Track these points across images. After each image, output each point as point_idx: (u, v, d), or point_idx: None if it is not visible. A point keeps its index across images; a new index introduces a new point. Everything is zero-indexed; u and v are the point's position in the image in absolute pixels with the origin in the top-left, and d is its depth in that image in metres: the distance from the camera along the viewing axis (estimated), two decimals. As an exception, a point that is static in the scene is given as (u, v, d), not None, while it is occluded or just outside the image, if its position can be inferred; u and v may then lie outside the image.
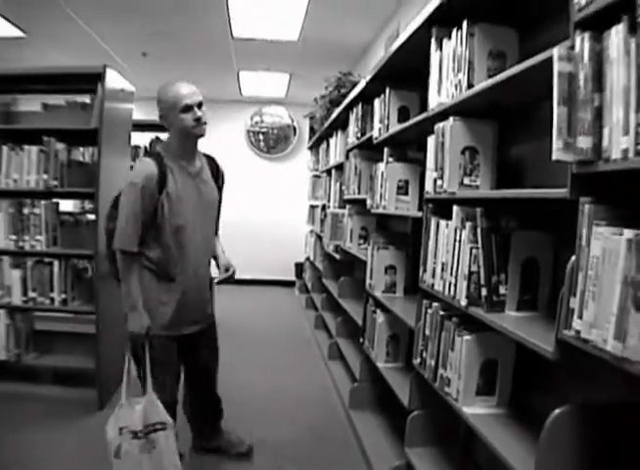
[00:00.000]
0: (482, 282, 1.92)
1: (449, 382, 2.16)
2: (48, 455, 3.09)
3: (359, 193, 4.19)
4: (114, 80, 3.93)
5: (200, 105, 2.67)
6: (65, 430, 3.43)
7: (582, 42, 1.31)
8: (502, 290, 1.90)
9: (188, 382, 3.16)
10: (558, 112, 1.37)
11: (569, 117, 1.35)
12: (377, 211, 3.50)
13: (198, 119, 2.65)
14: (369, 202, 3.68)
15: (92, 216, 3.98)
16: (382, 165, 3.36)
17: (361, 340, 3.77)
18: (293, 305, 8.10)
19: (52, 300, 3.97)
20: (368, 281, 3.59)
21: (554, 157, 1.37)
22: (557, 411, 1.45)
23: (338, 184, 5.25)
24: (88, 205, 4.96)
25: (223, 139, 9.25)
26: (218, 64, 7.39)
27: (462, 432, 2.57)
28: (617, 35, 1.21)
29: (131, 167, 3.73)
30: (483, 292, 1.91)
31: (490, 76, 2.03)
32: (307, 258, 8.08)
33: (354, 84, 5.11)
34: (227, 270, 2.95)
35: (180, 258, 2.73)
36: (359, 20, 5.45)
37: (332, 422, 3.87)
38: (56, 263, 3.96)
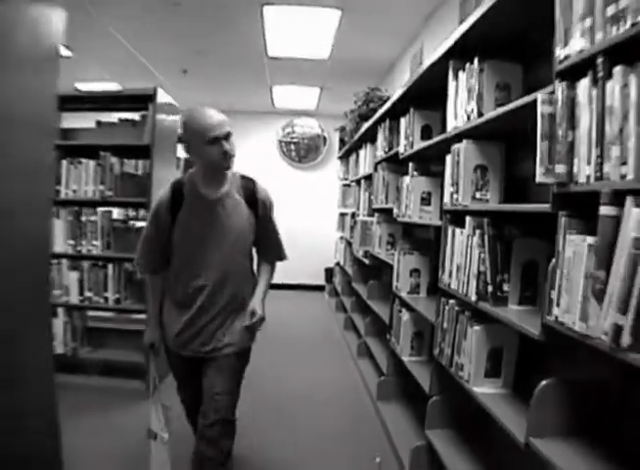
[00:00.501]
0: (489, 281, 2.27)
1: (462, 367, 2.51)
2: (96, 440, 3.51)
3: (387, 203, 4.55)
4: (162, 98, 4.35)
5: (227, 136, 2.46)
6: (114, 416, 3.91)
7: (560, 89, 1.67)
8: (505, 287, 2.25)
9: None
10: (541, 145, 1.74)
11: (549, 149, 1.71)
12: (403, 220, 3.86)
13: (224, 153, 2.45)
14: (395, 211, 4.05)
15: (141, 223, 4.41)
16: (407, 178, 3.72)
17: (388, 337, 4.13)
18: (323, 308, 8.49)
19: (106, 299, 4.44)
20: (395, 283, 3.95)
21: (537, 180, 1.74)
22: (543, 383, 1.81)
23: (367, 194, 5.63)
24: (132, 212, 5.36)
25: (256, 149, 9.73)
26: (253, 79, 7.82)
27: (473, 414, 2.91)
28: (584, 86, 1.57)
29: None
30: (490, 289, 2.26)
31: (498, 105, 2.39)
32: (337, 264, 8.46)
33: (382, 99, 5.52)
34: (252, 316, 2.61)
35: (190, 284, 2.58)
36: (385, 38, 5.86)
37: (361, 412, 4.27)
38: (110, 266, 4.41)
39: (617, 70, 1.40)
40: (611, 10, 1.44)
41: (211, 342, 2.62)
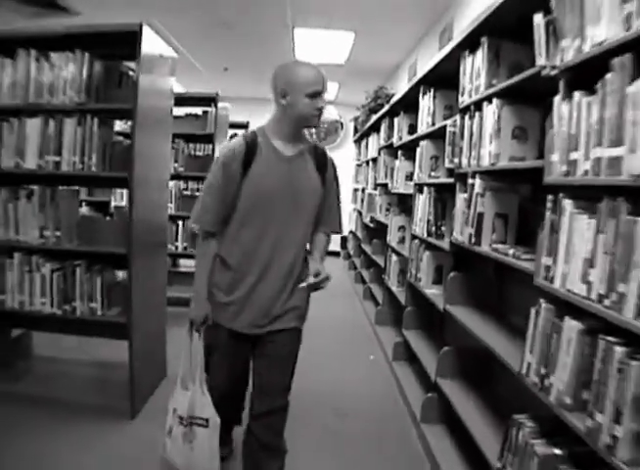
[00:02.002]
0: (433, 224, 3.81)
1: (420, 279, 4.04)
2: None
3: (385, 179, 6.09)
4: (221, 101, 5.90)
5: (322, 93, 2.39)
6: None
7: (459, 119, 3.18)
8: (442, 228, 3.76)
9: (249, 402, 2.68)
10: (447, 148, 3.28)
11: (452, 150, 3.25)
12: (395, 191, 5.42)
13: (319, 109, 2.40)
14: (389, 185, 5.60)
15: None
16: (397, 162, 5.27)
17: (383, 276, 5.69)
18: (338, 268, 10.11)
19: (176, 247, 5.98)
20: (388, 237, 5.49)
21: (446, 165, 3.28)
22: (451, 275, 3.34)
23: (373, 172, 7.18)
24: (195, 185, 6.74)
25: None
26: None
27: (437, 323, 4.39)
28: (467, 118, 3.08)
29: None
30: (433, 229, 3.80)
31: (444, 119, 3.89)
32: (351, 231, 10.00)
33: (387, 95, 7.05)
34: (316, 276, 2.38)
35: (252, 248, 2.43)
36: (389, 51, 7.47)
37: (362, 330, 5.99)
38: (179, 222, 5.96)
39: (486, 108, 2.89)
40: (483, 83, 2.95)
41: (271, 314, 2.49)
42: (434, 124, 3.98)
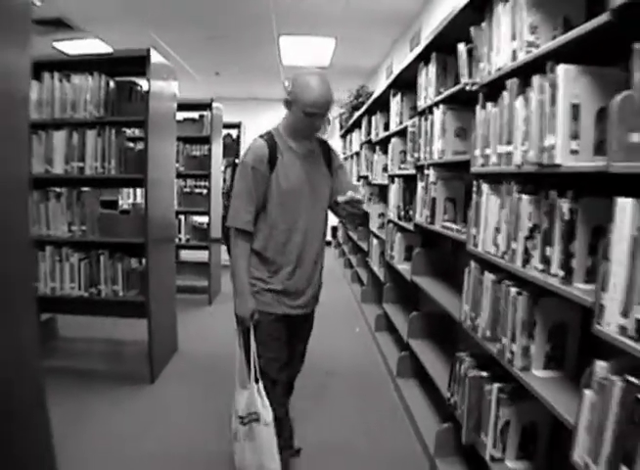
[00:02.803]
0: (402, 209, 4.45)
1: (394, 257, 4.68)
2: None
3: (366, 171, 6.72)
4: (216, 106, 6.51)
5: (322, 116, 2.57)
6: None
7: (417, 120, 3.81)
8: (410, 212, 4.37)
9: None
10: (409, 145, 3.90)
11: (412, 146, 3.87)
12: (374, 182, 6.04)
13: (315, 128, 2.63)
14: (369, 176, 6.24)
15: (205, 191, 6.61)
16: (375, 156, 5.90)
17: (367, 259, 6.33)
18: (329, 256, 10.67)
19: (180, 239, 6.60)
20: (370, 222, 6.12)
21: (408, 160, 3.91)
22: (416, 250, 3.97)
23: (356, 166, 7.83)
24: (197, 182, 7.36)
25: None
26: (270, 77, 10.04)
27: (413, 297, 4.99)
28: (422, 120, 3.71)
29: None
30: (402, 213, 4.43)
31: (410, 118, 4.51)
32: (340, 221, 10.61)
33: (368, 93, 7.67)
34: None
35: (286, 240, 2.65)
36: (369, 53, 8.12)
37: (349, 308, 6.64)
38: (182, 217, 6.58)
39: (436, 112, 3.51)
40: (433, 91, 3.57)
41: (308, 295, 2.79)
42: (401, 123, 4.60)
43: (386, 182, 5.40)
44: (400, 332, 4.35)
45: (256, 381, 2.64)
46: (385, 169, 5.63)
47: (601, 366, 1.58)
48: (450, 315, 3.07)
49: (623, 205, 1.46)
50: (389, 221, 4.94)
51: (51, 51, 6.72)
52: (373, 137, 6.12)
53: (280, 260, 2.66)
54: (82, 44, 7.27)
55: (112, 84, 4.04)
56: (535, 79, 1.98)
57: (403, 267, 4.44)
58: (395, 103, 4.84)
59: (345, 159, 9.75)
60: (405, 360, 4.17)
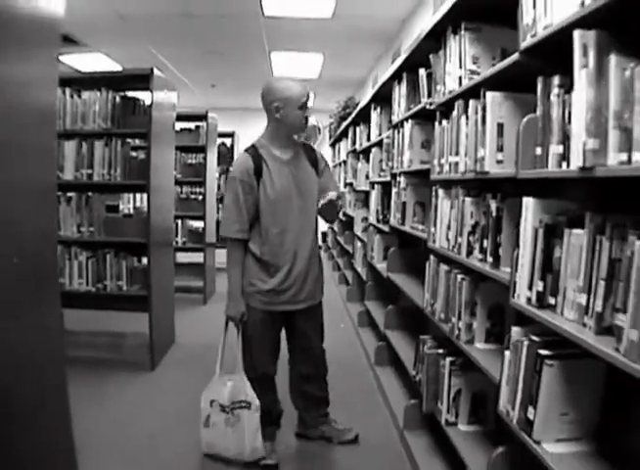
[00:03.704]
0: (381, 213, 4.88)
1: (373, 257, 5.10)
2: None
3: (352, 178, 7.17)
4: (211, 117, 6.95)
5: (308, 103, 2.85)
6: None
7: (392, 132, 4.26)
8: (387, 215, 4.78)
9: (290, 363, 3.29)
10: (383, 153, 4.35)
11: (387, 156, 4.32)
12: (358, 189, 6.48)
13: (306, 118, 2.90)
14: (354, 183, 6.69)
15: (200, 197, 7.04)
16: (360, 164, 6.35)
17: (352, 261, 6.78)
18: (319, 261, 11.13)
19: (176, 242, 7.02)
20: (355, 227, 6.56)
21: (383, 167, 4.35)
22: (392, 249, 4.40)
23: (343, 173, 8.28)
24: (192, 189, 7.76)
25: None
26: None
27: (391, 294, 5.35)
28: (396, 132, 4.15)
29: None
30: (381, 217, 4.87)
31: (388, 130, 4.95)
32: (330, 227, 11.06)
33: (355, 104, 8.13)
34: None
35: (280, 242, 2.86)
36: (356, 67, 8.64)
37: (335, 306, 6.97)
38: (179, 222, 6.99)
39: (406, 125, 3.94)
40: (404, 107, 4.02)
41: (306, 295, 3.04)
42: (380, 135, 5.04)
43: (368, 188, 5.81)
44: (378, 323, 4.76)
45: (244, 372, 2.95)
46: (367, 177, 6.06)
47: (516, 331, 2.01)
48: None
49: (527, 202, 1.90)
50: (370, 224, 5.38)
51: (60, 67, 7.17)
52: (357, 147, 6.57)
53: (277, 261, 2.90)
54: (87, 58, 7.72)
55: (117, 99, 4.47)
56: (471, 102, 2.43)
57: (381, 266, 4.83)
58: (376, 115, 5.28)
59: (334, 166, 10.17)
60: (382, 350, 4.59)
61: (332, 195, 2.80)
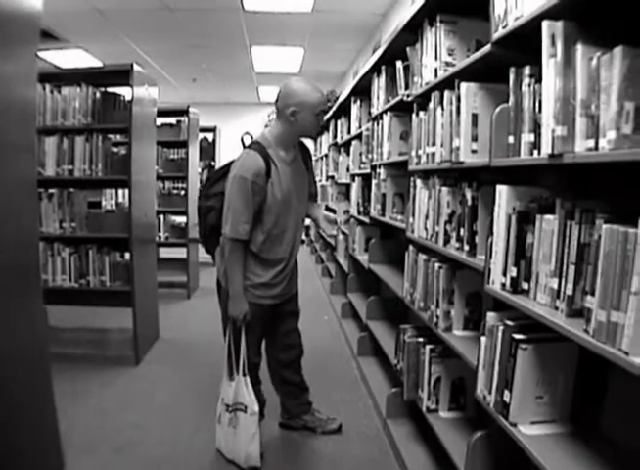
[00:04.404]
0: (361, 205, 4.92)
1: (355, 249, 5.15)
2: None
3: (333, 172, 7.21)
4: (192, 112, 6.96)
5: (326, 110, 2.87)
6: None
7: (371, 125, 4.29)
8: (369, 207, 4.82)
9: (268, 351, 3.35)
10: (362, 146, 4.39)
11: (367, 148, 4.35)
12: (339, 182, 6.52)
13: (320, 125, 2.92)
14: (335, 176, 6.72)
15: (182, 192, 7.04)
16: (340, 157, 6.38)
17: (334, 254, 6.82)
18: (302, 254, 11.00)
19: (159, 237, 7.02)
20: (338, 220, 6.55)
21: (362, 160, 4.39)
22: (372, 241, 4.44)
23: (325, 166, 8.31)
24: (175, 184, 7.74)
25: (244, 131, 12.36)
26: (244, 83, 10.54)
27: (373, 285, 5.42)
28: (375, 124, 4.18)
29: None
30: (362, 209, 4.91)
31: (368, 122, 4.99)
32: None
33: (336, 98, 8.16)
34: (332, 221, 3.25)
35: (280, 241, 2.92)
36: (337, 61, 8.68)
37: (319, 299, 7.04)
38: (161, 217, 6.99)
39: (385, 117, 3.98)
40: (382, 99, 4.05)
41: (290, 284, 3.18)
42: (360, 127, 5.08)
43: (349, 181, 5.85)
44: (360, 314, 4.81)
45: (244, 374, 2.93)
46: (348, 170, 6.10)
47: (491, 316, 2.06)
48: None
49: (500, 190, 1.94)
50: (351, 216, 5.41)
51: (39, 63, 7.15)
52: (338, 140, 6.61)
53: (275, 259, 2.96)
54: (66, 54, 7.69)
55: (98, 95, 4.47)
56: (446, 93, 2.48)
57: (363, 258, 4.88)
58: (356, 108, 5.32)
59: (316, 160, 10.22)
60: (365, 340, 4.63)
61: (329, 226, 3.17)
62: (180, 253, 7.19)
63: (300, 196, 3.01)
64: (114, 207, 5.98)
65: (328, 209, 7.82)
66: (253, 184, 2.72)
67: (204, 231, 3.09)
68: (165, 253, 7.75)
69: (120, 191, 6.43)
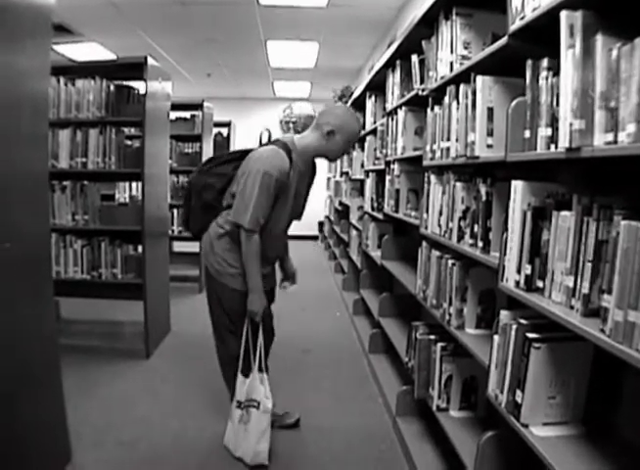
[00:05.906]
0: (375, 201, 4.88)
1: (368, 245, 5.11)
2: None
3: (347, 168, 7.17)
4: (207, 106, 6.94)
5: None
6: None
7: (386, 120, 4.25)
8: (382, 203, 4.79)
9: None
10: (376, 141, 4.34)
11: (381, 143, 4.31)
12: (354, 178, 6.49)
13: (344, 153, 3.08)
14: (350, 172, 6.68)
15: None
16: (355, 153, 6.35)
17: (347, 249, 6.78)
18: (316, 249, 11.23)
19: (172, 230, 7.02)
20: (350, 216, 6.57)
21: (376, 155, 4.35)
22: (385, 237, 4.40)
23: (338, 162, 8.28)
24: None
25: (263, 127, 12.30)
26: (258, 78, 10.49)
27: (386, 281, 5.39)
28: (390, 119, 4.15)
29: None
30: (376, 205, 4.86)
31: (382, 118, 4.95)
32: (326, 216, 11.08)
33: (351, 93, 8.13)
34: (293, 278, 3.51)
35: (276, 239, 3.07)
36: (352, 56, 8.58)
37: (330, 293, 7.02)
38: (174, 210, 6.98)
39: (399, 112, 3.94)
40: (397, 95, 4.01)
41: (274, 276, 3.33)
42: (375, 123, 5.04)
43: (363, 177, 5.82)
44: (372, 311, 4.78)
45: (260, 371, 2.95)
46: (362, 165, 6.06)
47: (504, 315, 2.02)
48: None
49: (516, 186, 1.90)
50: (365, 213, 5.38)
51: (54, 56, 7.17)
52: (352, 136, 6.56)
53: (270, 254, 3.06)
54: (81, 47, 7.69)
55: (112, 88, 4.46)
56: (462, 87, 2.43)
57: (376, 254, 4.85)
58: (371, 104, 5.29)
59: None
60: (376, 337, 4.60)
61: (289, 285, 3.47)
62: (193, 247, 7.15)
63: (295, 208, 3.08)
64: (127, 200, 5.98)
65: (342, 204, 7.80)
66: (277, 182, 2.77)
67: (193, 209, 3.08)
68: (178, 247, 7.73)
69: (134, 184, 6.44)
